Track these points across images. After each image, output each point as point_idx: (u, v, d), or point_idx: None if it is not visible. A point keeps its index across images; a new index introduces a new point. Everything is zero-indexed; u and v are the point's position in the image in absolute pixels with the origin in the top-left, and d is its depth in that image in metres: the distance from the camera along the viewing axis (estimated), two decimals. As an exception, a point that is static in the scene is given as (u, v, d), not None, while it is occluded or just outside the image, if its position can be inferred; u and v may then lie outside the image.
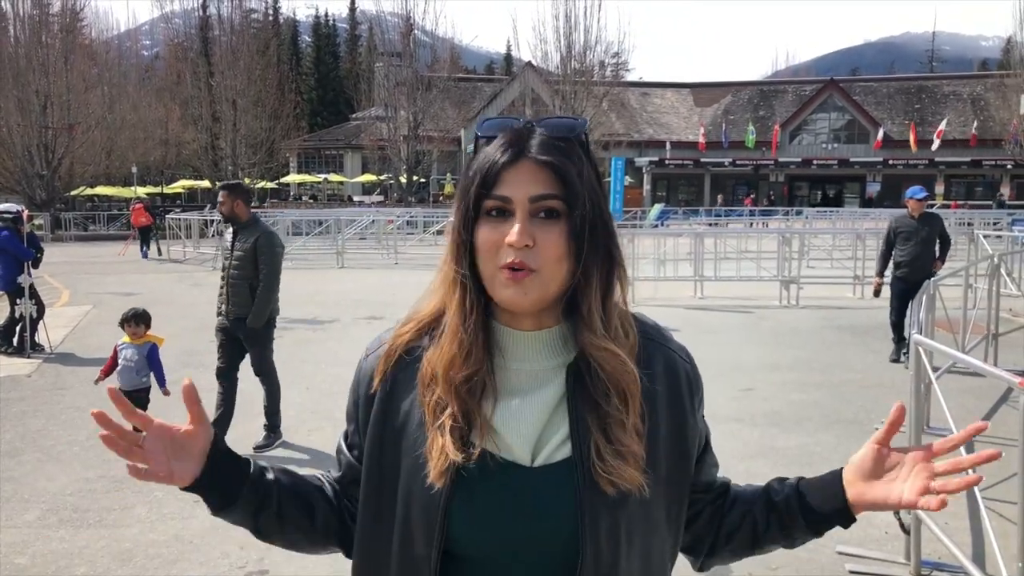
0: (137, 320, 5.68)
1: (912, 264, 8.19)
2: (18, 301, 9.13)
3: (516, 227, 1.05)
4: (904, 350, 7.81)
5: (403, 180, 42.83)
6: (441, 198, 43.76)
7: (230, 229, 5.93)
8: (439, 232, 27.03)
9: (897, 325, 8.28)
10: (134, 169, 39.93)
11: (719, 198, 46.27)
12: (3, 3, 36.05)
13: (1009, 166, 45.56)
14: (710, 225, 29.26)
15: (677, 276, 15.08)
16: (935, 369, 4.56)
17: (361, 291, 14.85)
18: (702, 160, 49.79)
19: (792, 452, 5.76)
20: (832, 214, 36.31)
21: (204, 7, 46.93)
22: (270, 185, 48.56)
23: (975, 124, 48.24)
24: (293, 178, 51.17)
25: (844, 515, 1.17)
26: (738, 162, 49.67)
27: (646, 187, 48.87)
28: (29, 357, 9.04)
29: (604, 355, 1.09)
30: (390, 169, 44.43)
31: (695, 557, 1.30)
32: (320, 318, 11.62)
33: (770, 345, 9.68)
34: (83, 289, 15.11)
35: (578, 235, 1.07)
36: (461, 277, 1.09)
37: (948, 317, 7.77)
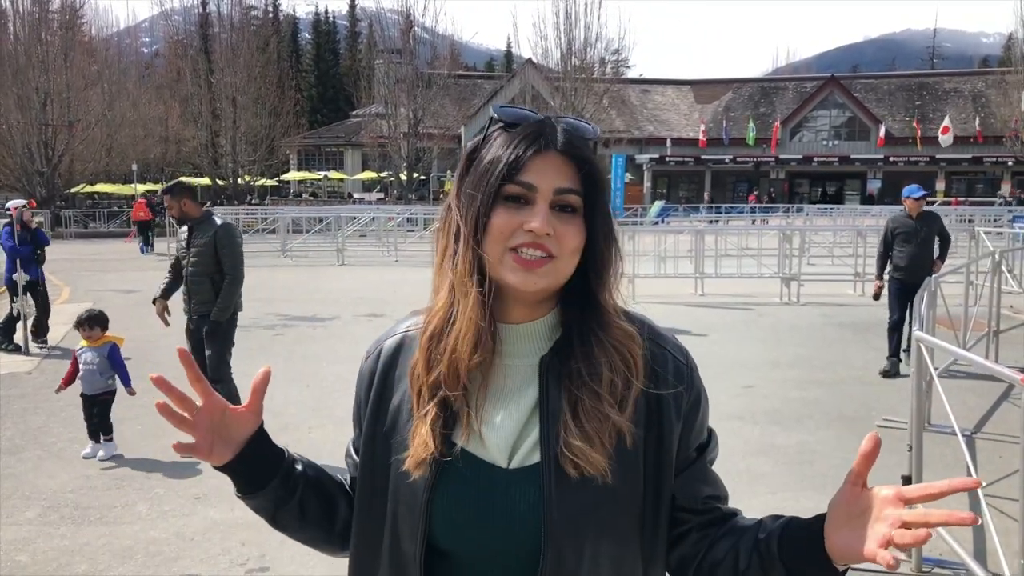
0: (90, 323, 5.63)
1: (911, 265, 7.95)
2: (14, 299, 9.12)
3: (540, 214, 1.05)
4: (902, 356, 7.67)
5: (403, 177, 42.83)
6: (441, 195, 43.63)
7: (184, 228, 5.84)
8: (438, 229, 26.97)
9: (897, 327, 8.03)
10: (134, 166, 39.93)
11: (705, 195, 46.22)
12: (3, 0, 36.07)
13: (1010, 163, 45.55)
14: (711, 222, 29.26)
15: (677, 273, 15.06)
16: (936, 367, 4.55)
17: (361, 288, 14.82)
18: (703, 157, 49.79)
19: (793, 449, 5.76)
20: (833, 211, 36.30)
21: (204, 4, 46.99)
22: (270, 182, 48.58)
23: (976, 121, 48.21)
24: (293, 175, 51.20)
25: (826, 568, 1.00)
26: (739, 159, 49.67)
27: (646, 184, 48.87)
28: (29, 354, 9.03)
29: (612, 331, 1.10)
30: (390, 166, 44.41)
31: None
32: (320, 315, 11.62)
33: (771, 342, 9.67)
34: (83, 286, 15.10)
35: (597, 229, 1.09)
36: (477, 259, 1.08)
37: (949, 314, 7.76)
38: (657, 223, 27.00)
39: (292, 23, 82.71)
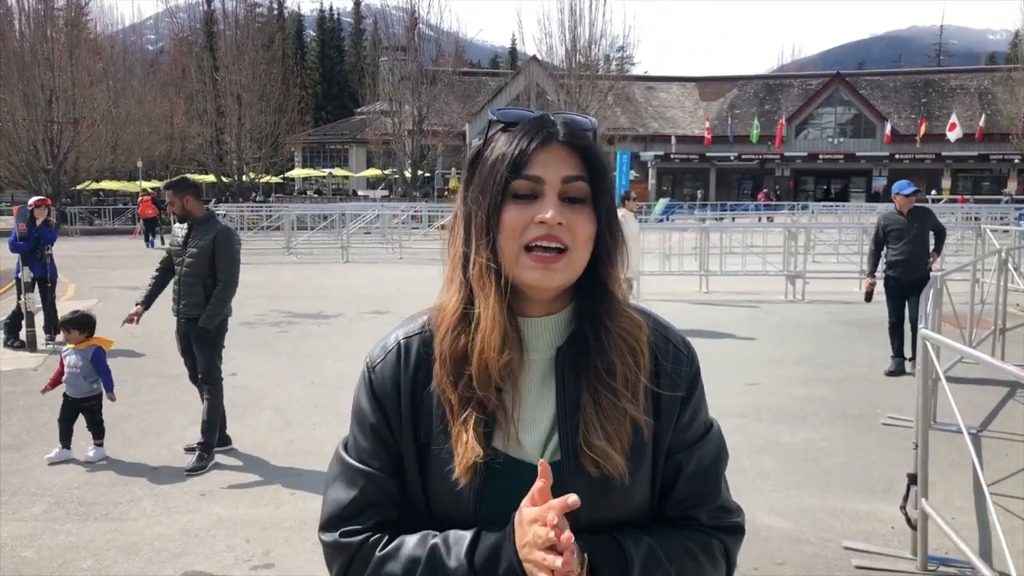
0: (67, 326, 5.53)
1: (906, 263, 7.83)
2: (20, 296, 9.14)
3: (550, 205, 1.06)
4: (909, 356, 7.55)
5: (408, 174, 42.83)
6: (446, 193, 43.75)
7: (184, 225, 5.60)
8: (444, 227, 27.01)
9: (896, 327, 7.93)
10: (139, 163, 39.98)
11: (699, 193, 46.08)
12: (9, -2, 36.11)
13: (1016, 160, 45.37)
14: (717, 220, 29.19)
15: (682, 271, 15.04)
16: (942, 365, 4.54)
17: (366, 285, 14.84)
18: (707, 154, 49.69)
19: (798, 447, 5.75)
20: (838, 208, 36.19)
21: (208, 1, 47.09)
22: (275, 179, 48.64)
23: (982, 118, 48.02)
24: (298, 172, 51.23)
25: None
26: (743, 156, 49.56)
27: (651, 181, 48.81)
28: (35, 351, 9.06)
29: (620, 319, 1.12)
30: (395, 163, 44.44)
31: None
32: (325, 312, 11.63)
33: (776, 340, 9.66)
34: (89, 283, 15.13)
35: (604, 218, 1.10)
36: (492, 263, 1.09)
37: (955, 312, 7.73)
38: (662, 220, 26.95)
39: (297, 20, 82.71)
